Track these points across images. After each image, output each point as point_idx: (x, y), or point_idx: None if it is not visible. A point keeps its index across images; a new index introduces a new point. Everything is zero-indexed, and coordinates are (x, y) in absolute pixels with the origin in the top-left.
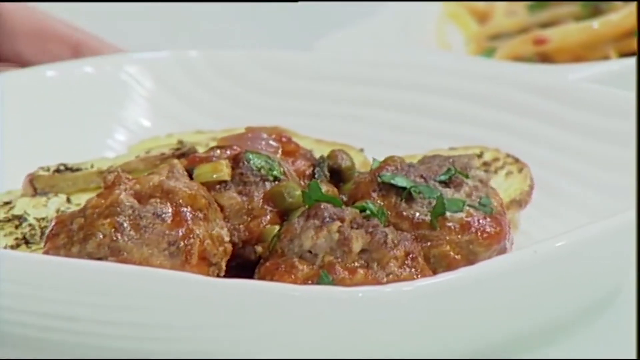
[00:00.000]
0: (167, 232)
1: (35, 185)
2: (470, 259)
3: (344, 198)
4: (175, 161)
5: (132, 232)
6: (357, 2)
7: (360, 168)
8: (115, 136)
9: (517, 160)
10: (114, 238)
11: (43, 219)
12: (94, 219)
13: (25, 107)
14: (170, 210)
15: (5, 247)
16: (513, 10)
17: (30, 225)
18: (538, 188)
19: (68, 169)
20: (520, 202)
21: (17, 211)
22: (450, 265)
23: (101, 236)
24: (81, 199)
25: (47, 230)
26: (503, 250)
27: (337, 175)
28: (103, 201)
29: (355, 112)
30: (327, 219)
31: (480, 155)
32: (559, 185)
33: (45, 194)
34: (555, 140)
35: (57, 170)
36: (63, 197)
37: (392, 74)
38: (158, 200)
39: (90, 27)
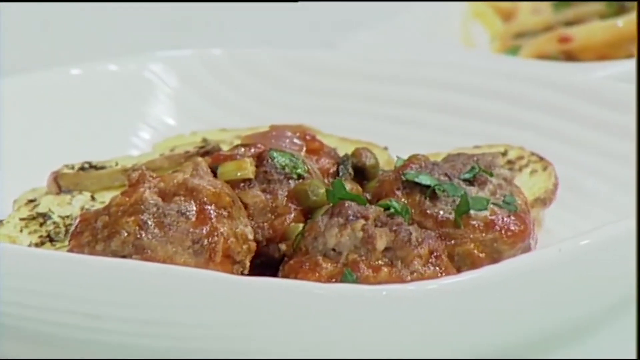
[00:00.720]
0: (191, 230)
1: (60, 183)
2: (494, 257)
3: (368, 196)
4: (200, 159)
5: (156, 230)
6: (382, 1)
7: (385, 166)
8: (140, 134)
9: (541, 159)
10: (138, 236)
11: (67, 216)
12: (118, 217)
13: (50, 105)
14: (194, 208)
15: (29, 245)
16: (538, 8)
17: (54, 223)
18: (562, 186)
19: (92, 167)
20: (544, 200)
21: (41, 209)
22: (474, 264)
23: (125, 234)
24: (105, 197)
25: (72, 228)
26: (527, 249)
27: (361, 174)
28: (127, 199)
29: (380, 110)
30: (351, 217)
31: (504, 154)
32: (583, 183)
33: (69, 192)
34: (580, 138)
35: (82, 168)
36: (87, 195)
37: (417, 72)
38: (182, 198)
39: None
